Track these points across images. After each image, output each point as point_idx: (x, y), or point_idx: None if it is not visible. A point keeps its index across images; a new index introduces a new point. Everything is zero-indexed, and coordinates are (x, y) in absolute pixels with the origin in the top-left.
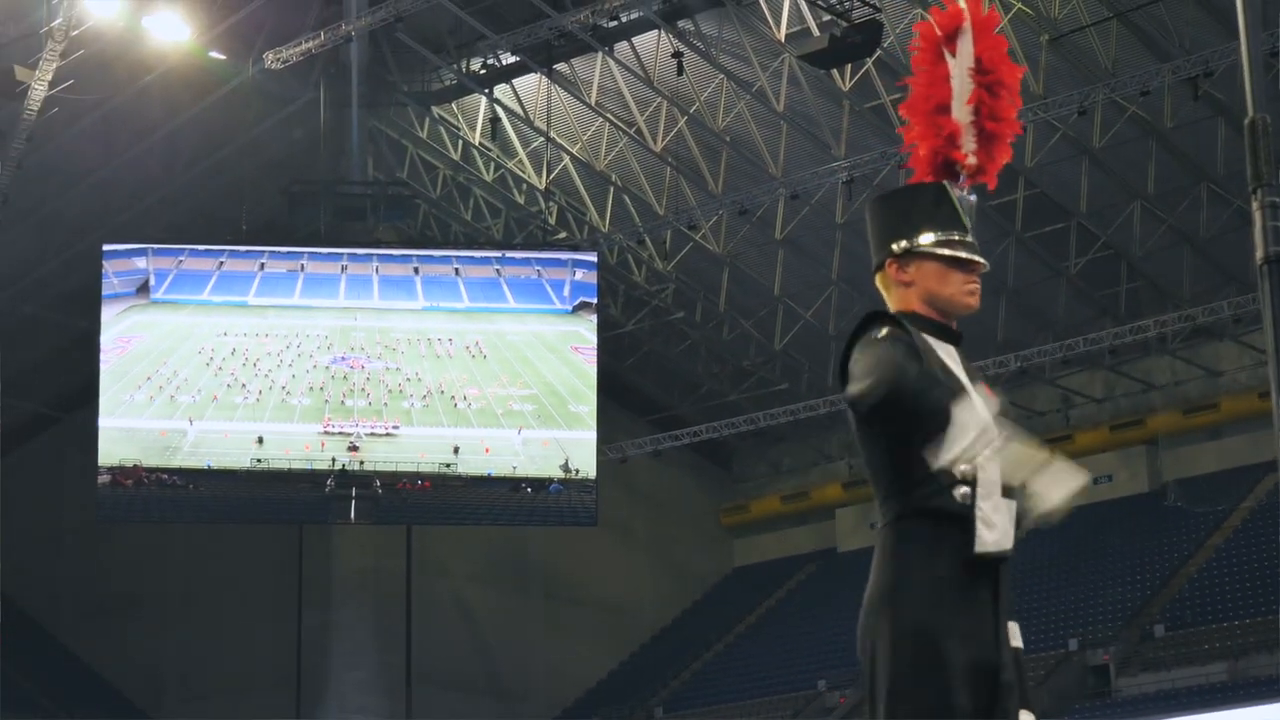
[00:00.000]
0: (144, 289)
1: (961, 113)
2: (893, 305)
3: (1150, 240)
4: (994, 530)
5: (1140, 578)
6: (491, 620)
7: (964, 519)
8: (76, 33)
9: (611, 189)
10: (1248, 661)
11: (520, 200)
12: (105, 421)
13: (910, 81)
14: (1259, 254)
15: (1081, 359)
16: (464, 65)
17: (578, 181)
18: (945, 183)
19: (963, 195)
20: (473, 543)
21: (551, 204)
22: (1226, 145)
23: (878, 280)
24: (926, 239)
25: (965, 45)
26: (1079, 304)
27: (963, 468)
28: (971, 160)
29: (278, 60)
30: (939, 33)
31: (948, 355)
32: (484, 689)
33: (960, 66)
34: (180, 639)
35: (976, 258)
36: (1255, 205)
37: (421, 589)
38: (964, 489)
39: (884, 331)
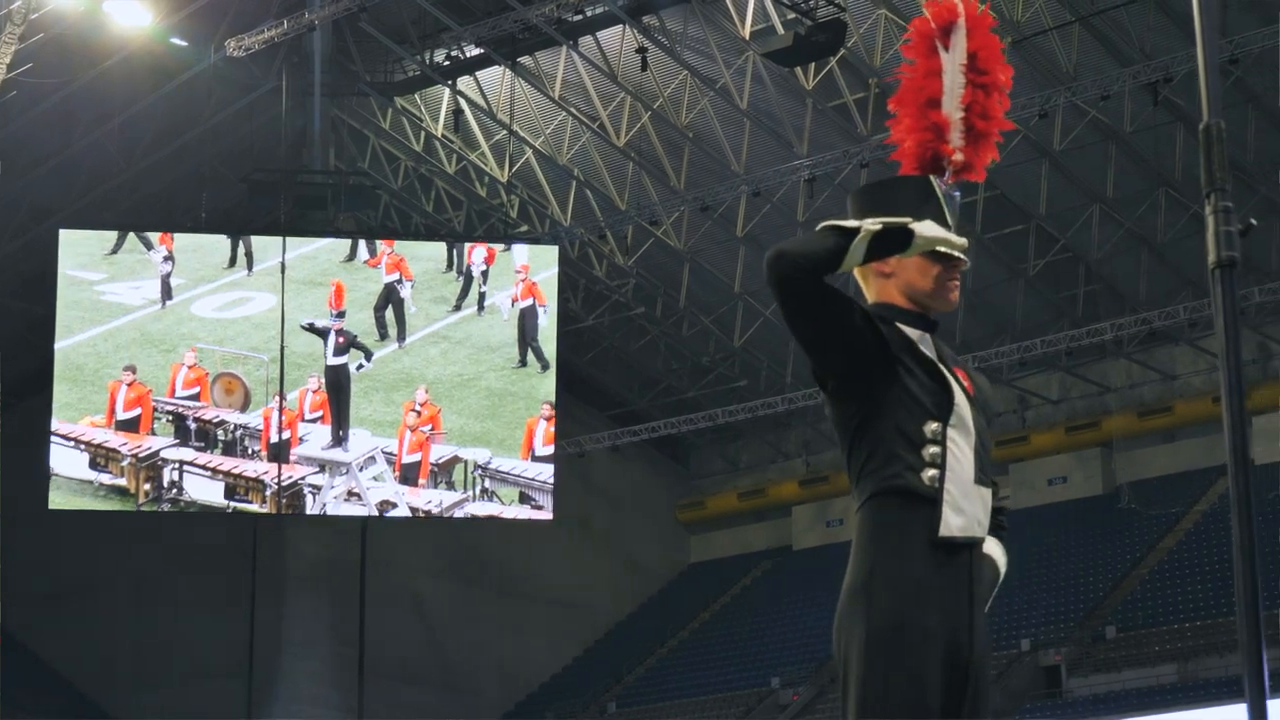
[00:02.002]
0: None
1: (952, 108)
2: (871, 295)
3: (1108, 243)
4: (961, 515)
5: (1093, 579)
6: (445, 614)
7: (932, 502)
8: (36, 16)
9: (574, 183)
10: (1197, 663)
11: (482, 193)
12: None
13: (901, 74)
14: (1211, 259)
15: (1038, 361)
16: (427, 56)
17: (540, 175)
18: (932, 177)
19: (948, 191)
20: (427, 536)
21: (513, 197)
22: (1185, 150)
23: (856, 270)
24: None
25: (959, 40)
26: (1037, 306)
27: (932, 450)
28: (959, 156)
29: (240, 48)
30: (933, 26)
31: (921, 341)
32: (437, 682)
33: (953, 62)
34: (132, 629)
35: (958, 254)
36: (1208, 210)
37: (375, 582)
38: (932, 471)
39: None
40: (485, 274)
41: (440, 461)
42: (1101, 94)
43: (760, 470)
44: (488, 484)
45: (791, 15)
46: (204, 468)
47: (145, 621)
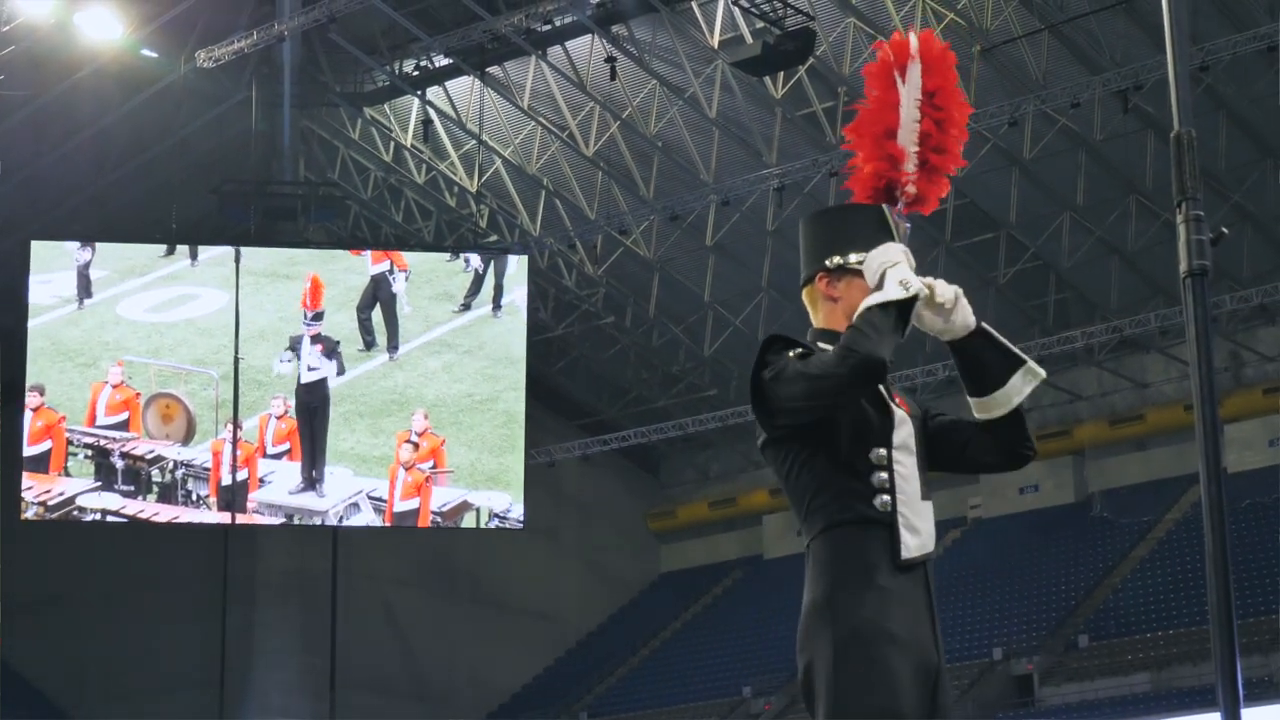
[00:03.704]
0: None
1: (907, 141)
2: (817, 321)
3: (1079, 252)
4: (918, 535)
5: (1065, 588)
6: (417, 623)
7: (888, 526)
8: (7, 28)
9: (543, 192)
10: (1170, 673)
11: (451, 203)
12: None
13: (860, 104)
14: (1182, 267)
15: None
16: (397, 67)
17: (509, 185)
18: (884, 206)
19: (899, 220)
20: (399, 545)
21: (483, 207)
22: (1155, 158)
23: (805, 294)
24: (859, 258)
25: (914, 75)
26: (1007, 314)
27: (880, 475)
28: (911, 189)
29: (210, 59)
30: (892, 58)
31: None
32: (408, 693)
33: (909, 96)
34: (103, 638)
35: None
36: (1180, 219)
37: (347, 591)
38: (884, 497)
39: (793, 353)
40: (501, 265)
41: (444, 509)
42: (1071, 102)
43: (731, 479)
44: None
45: (760, 24)
46: (134, 519)
47: (116, 631)
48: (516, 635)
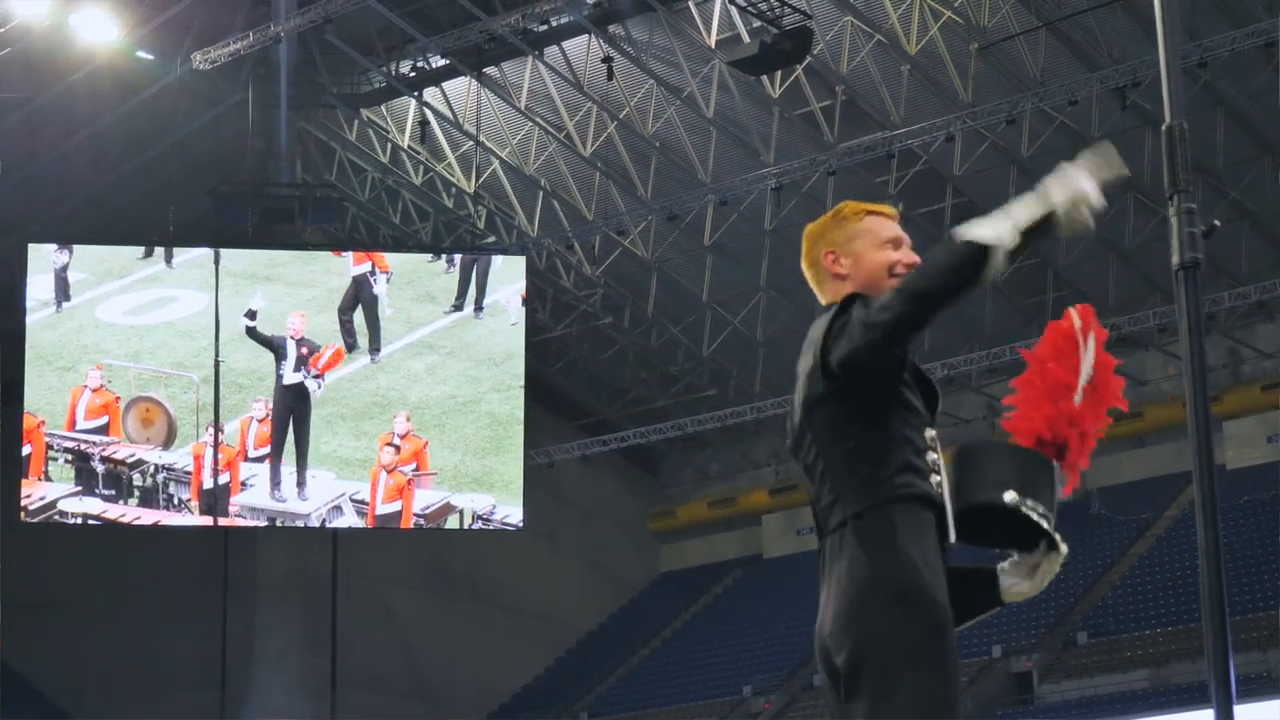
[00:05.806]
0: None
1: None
2: (826, 300)
3: (1076, 249)
4: (953, 522)
5: (1064, 585)
6: (417, 624)
7: (940, 508)
8: (3, 30)
9: (540, 193)
10: (1169, 669)
11: (449, 204)
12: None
13: (1030, 354)
14: (1175, 260)
15: (1007, 367)
16: (393, 68)
17: (506, 185)
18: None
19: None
20: (399, 546)
21: (480, 208)
22: (1153, 155)
23: (808, 272)
24: None
25: (1092, 345)
26: (1005, 312)
27: (931, 456)
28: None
29: (206, 60)
30: (1079, 323)
31: None
32: (409, 693)
33: (1086, 363)
34: (103, 640)
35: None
36: (1172, 211)
37: (347, 592)
38: (936, 478)
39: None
40: (484, 265)
41: (427, 511)
42: (1069, 99)
43: (730, 479)
44: None
45: (757, 23)
46: (115, 523)
47: (117, 632)
48: (517, 635)
